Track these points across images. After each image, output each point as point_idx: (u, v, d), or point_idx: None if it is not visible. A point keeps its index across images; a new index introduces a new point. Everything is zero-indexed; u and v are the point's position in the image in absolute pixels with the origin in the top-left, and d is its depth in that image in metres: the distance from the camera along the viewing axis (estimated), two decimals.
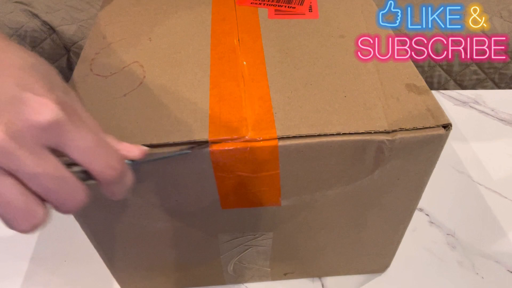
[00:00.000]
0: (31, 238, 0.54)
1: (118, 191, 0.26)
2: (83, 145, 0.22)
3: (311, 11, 0.45)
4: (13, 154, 0.20)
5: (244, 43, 0.41)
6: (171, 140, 0.32)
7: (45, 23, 1.13)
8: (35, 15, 1.13)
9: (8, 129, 0.20)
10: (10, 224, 0.21)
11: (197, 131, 0.32)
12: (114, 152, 0.25)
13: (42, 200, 0.22)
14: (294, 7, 0.46)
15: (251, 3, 0.46)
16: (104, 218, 0.38)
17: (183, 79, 0.37)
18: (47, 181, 0.21)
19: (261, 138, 0.32)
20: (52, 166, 0.21)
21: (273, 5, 0.46)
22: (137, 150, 0.28)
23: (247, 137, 0.32)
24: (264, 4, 0.46)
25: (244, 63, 0.39)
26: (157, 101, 0.35)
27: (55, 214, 0.60)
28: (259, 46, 0.41)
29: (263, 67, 0.39)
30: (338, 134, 0.33)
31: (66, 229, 0.56)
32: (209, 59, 0.39)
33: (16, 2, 1.14)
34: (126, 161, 0.27)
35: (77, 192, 0.23)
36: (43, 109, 0.20)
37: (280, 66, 0.39)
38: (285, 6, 0.46)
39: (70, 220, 0.57)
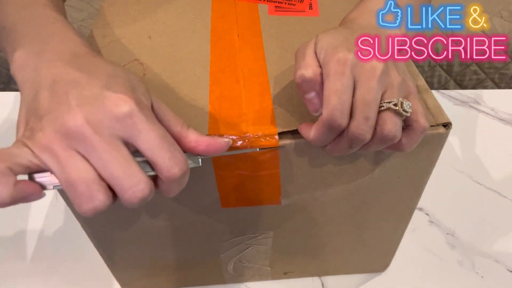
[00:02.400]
0: (31, 238, 0.54)
1: (174, 189, 0.27)
2: (152, 139, 0.24)
3: (311, 9, 0.45)
4: (88, 139, 0.23)
5: (244, 39, 0.41)
6: None
7: None
8: None
9: (87, 117, 0.23)
10: (74, 204, 0.24)
11: (196, 127, 0.32)
12: (180, 152, 0.26)
13: (109, 187, 0.24)
14: (294, 4, 0.46)
15: None
16: (104, 218, 0.38)
17: (183, 76, 0.37)
18: (114, 168, 0.23)
19: (261, 134, 0.32)
20: (120, 155, 0.24)
21: (273, 2, 0.46)
22: (219, 143, 0.29)
23: (249, 134, 0.32)
24: (264, 0, 0.46)
25: (245, 60, 0.39)
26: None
27: (55, 214, 0.60)
28: (259, 42, 0.41)
29: (263, 63, 0.39)
30: None
31: (66, 229, 0.56)
32: (209, 56, 0.39)
33: None
34: (199, 157, 0.28)
35: (141, 183, 0.24)
36: (120, 103, 0.24)
37: (280, 62, 0.39)
38: (285, 3, 0.46)
39: (70, 220, 0.57)
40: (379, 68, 0.29)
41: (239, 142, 0.32)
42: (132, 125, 0.24)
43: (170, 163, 0.25)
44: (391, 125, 0.29)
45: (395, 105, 0.29)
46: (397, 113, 0.29)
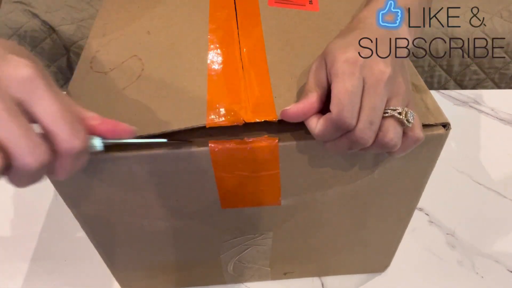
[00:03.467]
0: (31, 238, 0.55)
1: (67, 167, 0.25)
2: (52, 107, 0.23)
3: (311, 3, 0.45)
4: None
5: (244, 29, 0.41)
6: (170, 128, 0.31)
7: (45, 23, 1.13)
8: (35, 15, 1.13)
9: None
10: None
11: (195, 117, 0.32)
12: (81, 125, 0.25)
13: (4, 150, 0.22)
14: None
15: None
16: (104, 218, 0.38)
17: (182, 68, 0.37)
18: (11, 127, 0.22)
19: (259, 120, 0.32)
20: (16, 115, 0.22)
21: None
22: (125, 127, 0.28)
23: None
24: None
25: (244, 50, 0.39)
26: (155, 92, 0.35)
27: (55, 214, 0.59)
28: (259, 32, 0.41)
29: (263, 53, 0.38)
30: None
31: (66, 229, 0.56)
32: (207, 46, 0.39)
33: (16, 2, 1.14)
34: (100, 140, 0.27)
35: (42, 145, 0.23)
36: (21, 66, 0.23)
37: (280, 53, 0.38)
38: None
39: (70, 220, 0.57)
40: (387, 73, 0.29)
41: (240, 145, 0.32)
42: (32, 90, 0.23)
43: (70, 134, 0.24)
44: (393, 133, 0.29)
45: (400, 113, 0.29)
46: (400, 122, 0.29)
